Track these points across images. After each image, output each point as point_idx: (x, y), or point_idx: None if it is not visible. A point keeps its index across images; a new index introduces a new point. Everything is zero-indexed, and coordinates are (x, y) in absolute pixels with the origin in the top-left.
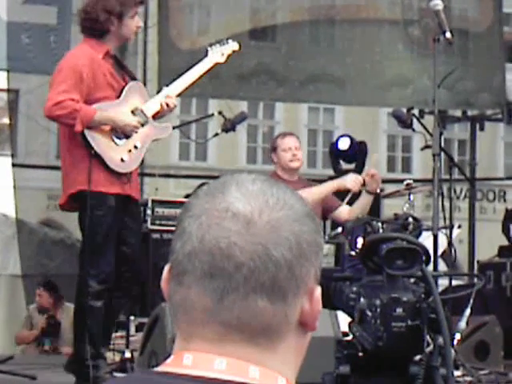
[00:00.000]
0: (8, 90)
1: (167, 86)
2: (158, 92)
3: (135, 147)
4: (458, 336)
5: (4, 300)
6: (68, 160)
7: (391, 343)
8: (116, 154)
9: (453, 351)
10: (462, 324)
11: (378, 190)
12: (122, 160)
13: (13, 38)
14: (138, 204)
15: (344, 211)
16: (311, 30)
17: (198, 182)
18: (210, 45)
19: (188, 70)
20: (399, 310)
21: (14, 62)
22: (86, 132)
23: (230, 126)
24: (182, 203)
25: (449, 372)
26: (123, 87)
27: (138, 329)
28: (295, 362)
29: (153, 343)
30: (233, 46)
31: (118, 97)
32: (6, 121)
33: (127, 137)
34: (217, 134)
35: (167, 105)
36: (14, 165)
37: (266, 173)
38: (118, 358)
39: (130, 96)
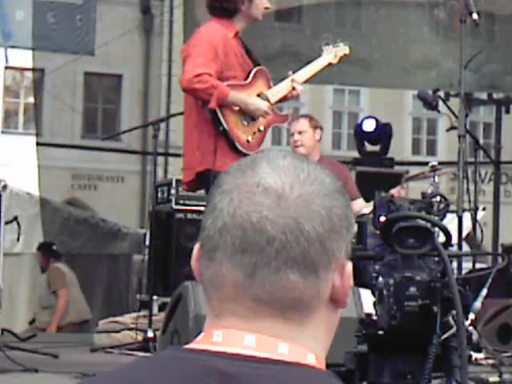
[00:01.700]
0: (33, 69)
1: (294, 72)
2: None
3: (259, 130)
4: (471, 316)
5: (27, 278)
6: (194, 137)
7: (404, 322)
8: (243, 134)
9: (476, 334)
10: (477, 304)
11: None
12: (248, 141)
13: (38, 16)
14: None
15: (357, 205)
16: (337, 12)
17: None
18: (325, 45)
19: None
20: (413, 289)
21: (40, 41)
22: (217, 109)
23: None
24: None
25: (463, 351)
26: (250, 70)
27: (161, 308)
28: (326, 339)
29: (175, 322)
30: (345, 49)
31: (245, 79)
32: (31, 100)
33: (253, 119)
34: None
35: (293, 88)
36: (38, 144)
37: None
38: (140, 337)
39: (257, 80)
